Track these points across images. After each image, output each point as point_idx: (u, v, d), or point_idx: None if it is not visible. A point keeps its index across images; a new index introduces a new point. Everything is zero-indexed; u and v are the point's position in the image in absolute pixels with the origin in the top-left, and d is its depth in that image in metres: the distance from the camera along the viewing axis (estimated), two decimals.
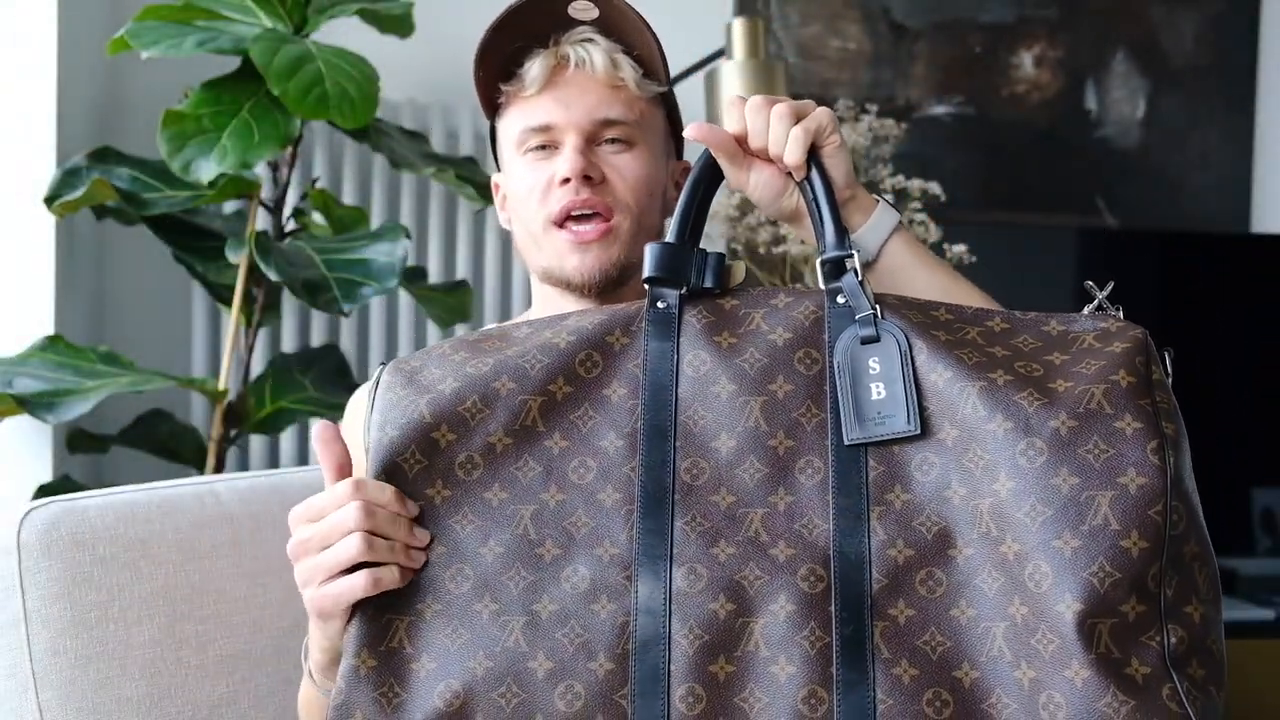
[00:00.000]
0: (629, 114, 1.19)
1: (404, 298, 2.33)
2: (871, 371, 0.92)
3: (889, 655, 0.87)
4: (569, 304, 1.18)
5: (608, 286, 1.16)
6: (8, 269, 1.99)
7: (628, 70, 1.20)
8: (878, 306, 0.94)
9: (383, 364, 1.00)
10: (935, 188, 2.15)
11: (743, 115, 1.03)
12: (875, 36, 2.62)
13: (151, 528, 1.25)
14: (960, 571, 0.88)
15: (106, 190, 1.84)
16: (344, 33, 2.10)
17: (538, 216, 1.18)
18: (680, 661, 0.88)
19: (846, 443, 0.91)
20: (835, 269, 0.97)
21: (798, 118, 1.02)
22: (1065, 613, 0.82)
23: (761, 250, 2.18)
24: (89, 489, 1.39)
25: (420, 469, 0.94)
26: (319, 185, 2.16)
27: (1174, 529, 0.84)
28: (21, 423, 1.91)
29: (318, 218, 2.14)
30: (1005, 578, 0.86)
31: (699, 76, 2.30)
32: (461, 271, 2.35)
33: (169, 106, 1.79)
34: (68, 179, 1.89)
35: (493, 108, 1.26)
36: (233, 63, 1.86)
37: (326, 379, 2.09)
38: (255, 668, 1.25)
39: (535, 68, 1.19)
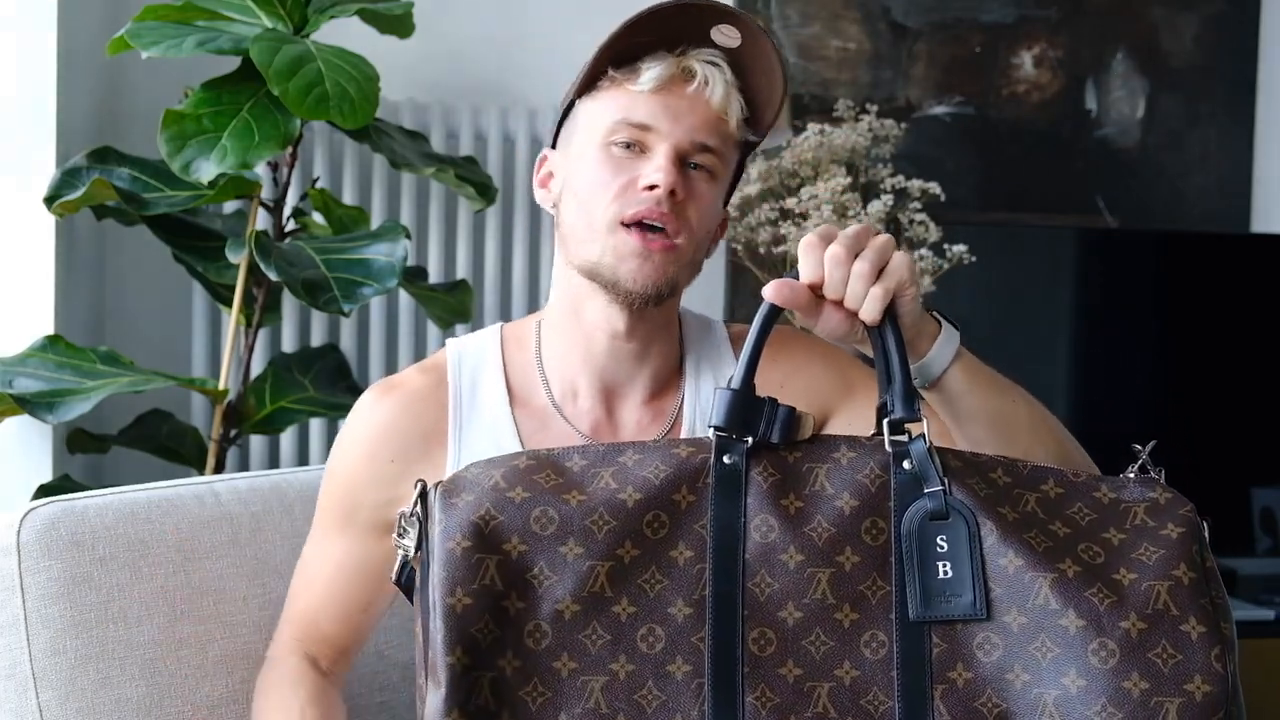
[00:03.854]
0: (722, 147, 1.19)
1: (404, 298, 2.33)
2: (939, 549, 0.93)
3: None
4: (599, 304, 1.17)
5: (652, 301, 1.15)
6: (8, 269, 1.99)
7: (736, 109, 1.19)
8: (945, 477, 0.95)
9: (422, 481, 0.97)
10: (935, 188, 2.15)
11: (820, 262, 0.99)
12: (875, 36, 2.62)
13: (151, 528, 1.25)
14: None
15: (106, 190, 1.84)
16: (344, 33, 2.10)
17: (607, 212, 1.15)
18: None
19: (913, 620, 0.92)
20: (901, 427, 0.97)
21: (878, 273, 0.99)
22: None
23: (761, 250, 2.18)
24: (89, 489, 1.38)
25: (493, 640, 0.91)
26: (319, 185, 2.16)
27: None
28: (21, 423, 1.91)
29: (318, 218, 2.14)
30: None
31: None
32: (461, 271, 2.35)
33: (169, 106, 1.79)
34: (68, 179, 1.89)
35: (588, 86, 1.22)
36: (233, 63, 1.86)
37: (326, 379, 2.09)
38: (255, 668, 1.25)
39: (656, 69, 1.17)
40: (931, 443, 0.96)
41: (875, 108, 2.31)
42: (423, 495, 0.95)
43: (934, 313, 1.06)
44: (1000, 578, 0.92)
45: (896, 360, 0.98)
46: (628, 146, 1.17)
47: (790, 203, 2.12)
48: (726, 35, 1.17)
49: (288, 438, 2.26)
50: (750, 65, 1.19)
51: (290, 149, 1.95)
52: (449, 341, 1.26)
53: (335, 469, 1.23)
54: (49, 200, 1.87)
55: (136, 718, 1.20)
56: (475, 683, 0.89)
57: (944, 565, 0.92)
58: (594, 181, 1.17)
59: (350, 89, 1.78)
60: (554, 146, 1.25)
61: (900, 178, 2.17)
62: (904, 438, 0.96)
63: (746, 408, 0.96)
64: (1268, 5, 2.74)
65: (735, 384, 0.96)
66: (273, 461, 2.31)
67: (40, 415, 1.75)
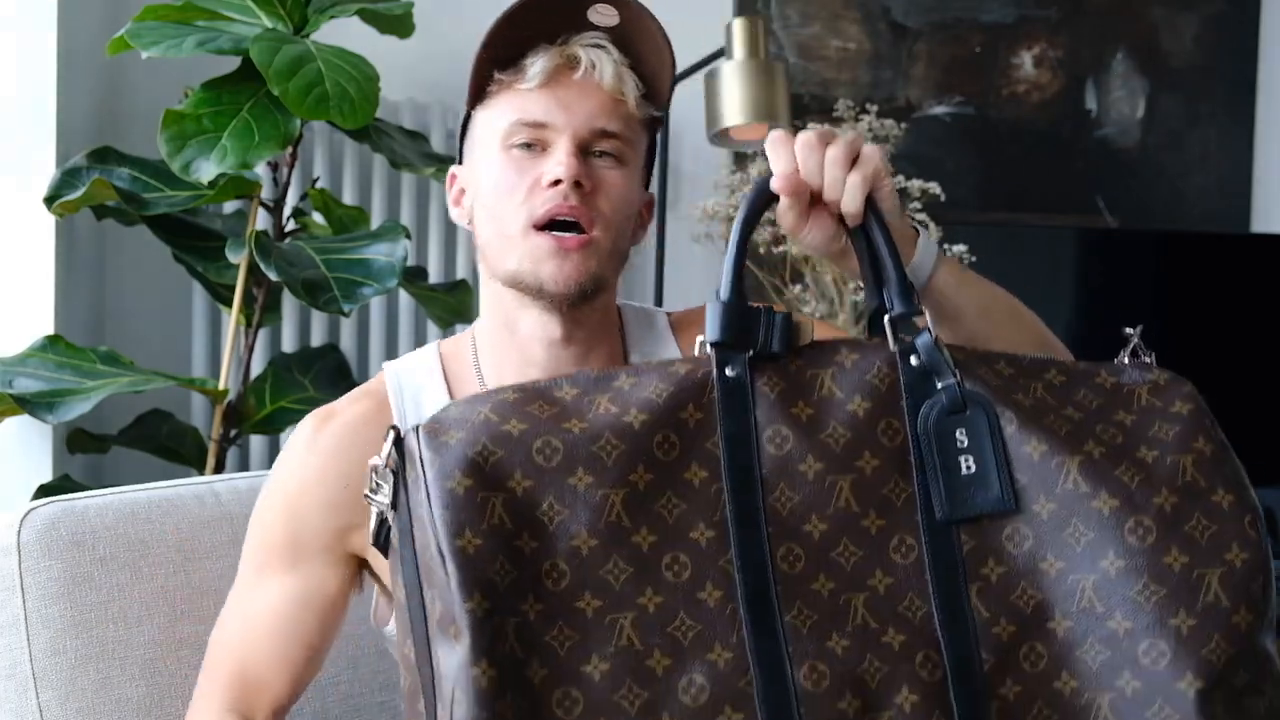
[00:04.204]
0: (625, 130, 1.15)
1: (404, 298, 2.33)
2: (960, 444, 0.90)
3: None
4: (530, 314, 1.13)
5: (579, 300, 1.11)
6: (8, 269, 1.99)
7: (631, 87, 1.15)
8: (957, 372, 0.91)
9: (394, 427, 0.89)
10: (935, 188, 2.15)
11: (792, 152, 0.96)
12: (875, 36, 2.62)
13: (151, 528, 1.25)
14: (1060, 644, 0.87)
15: (106, 190, 1.84)
16: (344, 33, 2.10)
17: (516, 217, 1.11)
18: None
19: (943, 520, 0.88)
20: (904, 323, 0.93)
21: (852, 162, 0.96)
22: (1187, 690, 0.85)
23: (761, 250, 2.18)
24: (89, 489, 1.39)
25: (511, 582, 0.84)
26: (319, 185, 2.16)
27: (1269, 598, 0.88)
28: (21, 423, 1.91)
29: (318, 218, 2.14)
30: (1112, 652, 0.86)
31: (699, 76, 2.30)
32: (461, 271, 2.35)
33: (169, 106, 1.79)
34: (68, 179, 1.89)
35: (477, 95, 1.19)
36: (233, 63, 1.86)
37: (326, 379, 2.09)
38: None
39: (540, 62, 1.13)
40: (938, 336, 0.92)
41: (875, 108, 2.31)
42: (398, 442, 0.88)
43: (913, 223, 1.04)
44: (1025, 466, 0.89)
45: (888, 255, 0.94)
46: (528, 147, 1.13)
47: None
48: (604, 14, 1.14)
49: (288, 438, 2.26)
50: (636, 40, 1.15)
51: (290, 149, 1.95)
52: (385, 365, 1.21)
53: (275, 504, 1.15)
54: (49, 200, 1.87)
55: (136, 718, 1.20)
56: (499, 629, 0.82)
57: (966, 460, 0.89)
58: (499, 188, 1.13)
59: (350, 89, 1.78)
60: (461, 163, 1.23)
61: (900, 178, 2.17)
62: (908, 335, 0.92)
63: (741, 318, 0.90)
64: (1268, 5, 2.74)
65: (724, 294, 0.91)
66: (272, 462, 2.31)
67: (40, 415, 1.75)
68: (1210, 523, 0.88)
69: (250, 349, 1.99)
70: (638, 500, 0.86)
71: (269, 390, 2.01)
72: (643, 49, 1.16)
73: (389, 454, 0.88)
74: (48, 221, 1.97)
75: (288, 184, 1.99)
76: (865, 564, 0.87)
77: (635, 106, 1.15)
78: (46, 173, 1.94)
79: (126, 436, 2.05)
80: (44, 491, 1.88)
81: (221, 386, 1.94)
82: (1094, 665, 0.87)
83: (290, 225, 2.03)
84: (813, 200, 0.98)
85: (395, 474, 0.88)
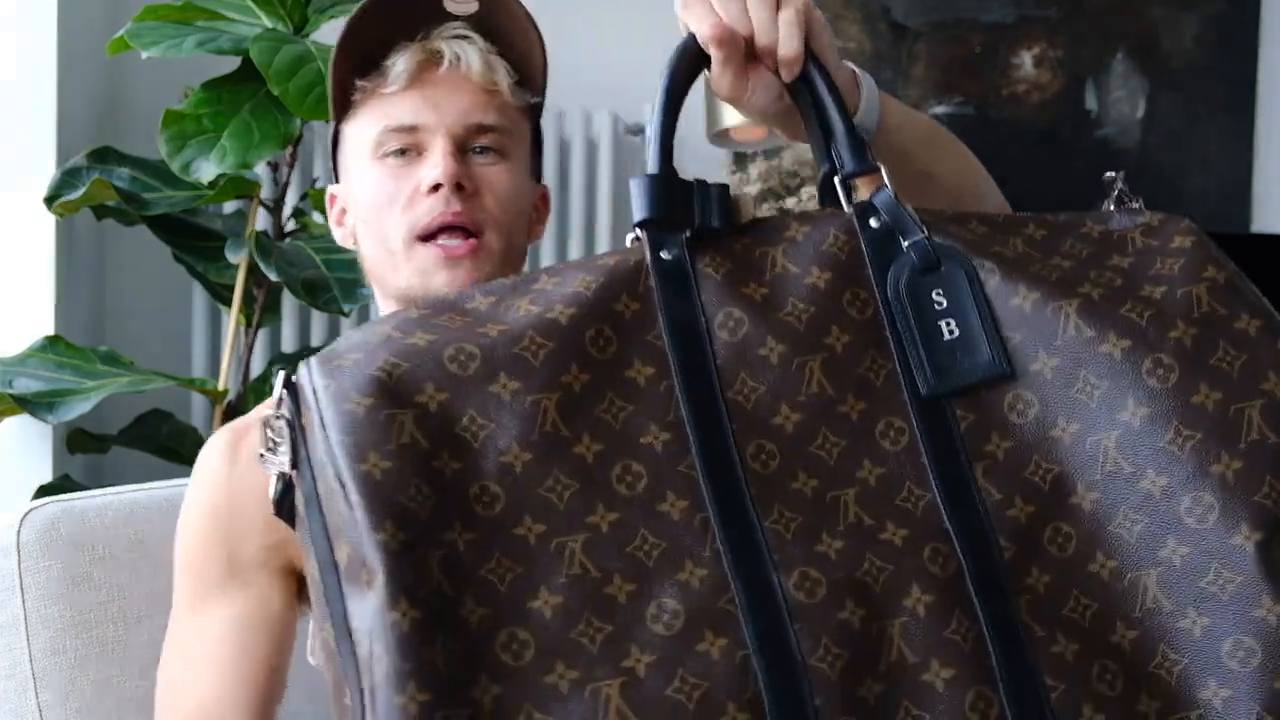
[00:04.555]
0: (502, 121, 1.08)
1: None
2: (937, 306, 0.78)
3: (1043, 633, 0.74)
4: None
5: None
6: (8, 269, 1.99)
7: (503, 75, 1.08)
8: (925, 227, 0.80)
9: (281, 367, 0.76)
10: None
11: (710, 7, 0.84)
12: (875, 36, 2.62)
13: (151, 528, 1.25)
14: (1089, 520, 0.76)
15: (106, 190, 1.84)
16: None
17: (399, 229, 1.04)
18: (826, 693, 0.70)
19: (925, 396, 0.77)
20: (855, 184, 0.82)
21: (778, 2, 0.84)
22: (1245, 545, 0.73)
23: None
24: (89, 489, 1.39)
25: (432, 508, 0.71)
26: (319, 185, 2.16)
27: None
28: (21, 423, 1.92)
29: (318, 218, 2.14)
30: (1150, 518, 0.75)
31: (698, 77, 2.30)
32: None
33: (169, 106, 1.79)
34: (68, 179, 1.89)
35: (343, 107, 1.10)
36: (233, 63, 1.86)
37: None
38: None
39: (401, 62, 1.06)
40: (897, 190, 0.81)
41: None
42: (289, 386, 0.74)
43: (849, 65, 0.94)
44: (1016, 321, 0.78)
45: (833, 106, 0.83)
46: (401, 153, 1.06)
47: (790, 203, 2.12)
48: (462, 2, 1.07)
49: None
50: (500, 24, 1.08)
51: (290, 149, 1.95)
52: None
53: (203, 527, 1.06)
54: (49, 200, 1.87)
55: (136, 718, 1.20)
56: (421, 563, 0.69)
57: (947, 324, 0.78)
58: (377, 201, 1.06)
59: None
60: (338, 180, 1.14)
61: None
62: (867, 200, 0.81)
63: (672, 193, 0.78)
64: (1268, 5, 2.74)
65: (651, 166, 0.79)
66: None
67: (40, 415, 1.75)
68: (1239, 351, 0.77)
69: (250, 349, 1.99)
70: (575, 404, 0.74)
71: (269, 390, 2.01)
72: (509, 33, 1.09)
73: (280, 400, 0.75)
74: (48, 221, 1.97)
75: (288, 184, 1.99)
76: (850, 455, 0.76)
77: (510, 95, 1.09)
78: (46, 173, 1.94)
79: (126, 436, 2.05)
80: (44, 491, 1.88)
81: (221, 386, 1.95)
82: (1132, 538, 0.75)
83: (290, 225, 2.03)
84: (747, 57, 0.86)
85: (291, 426, 0.74)
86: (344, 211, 1.13)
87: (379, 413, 0.71)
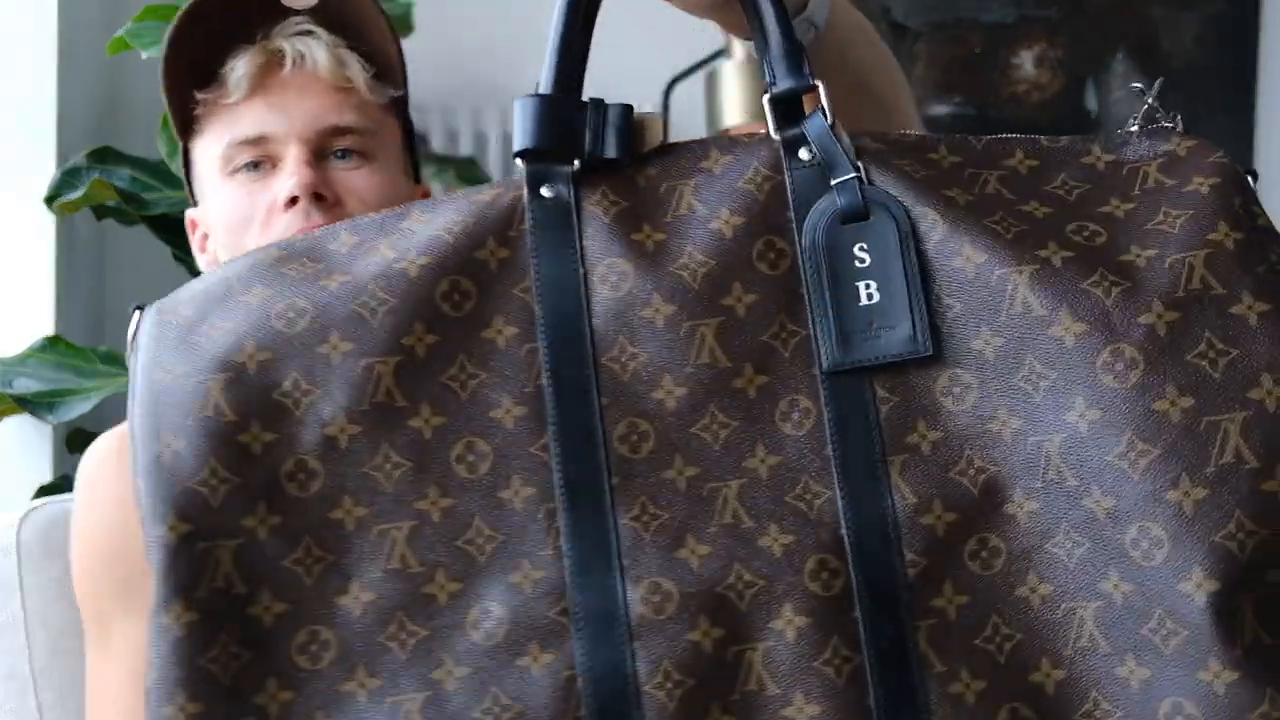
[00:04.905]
0: (362, 121, 0.99)
1: None
2: (859, 263, 0.64)
3: (943, 667, 0.62)
4: None
5: None
6: (8, 269, 1.99)
7: (356, 69, 0.99)
8: (860, 162, 0.66)
9: (138, 307, 0.68)
10: None
11: None
12: None
13: None
14: (1023, 535, 0.63)
15: (106, 190, 1.84)
16: None
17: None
18: None
19: (829, 369, 0.64)
20: (790, 106, 0.67)
21: None
22: (1195, 594, 0.59)
23: None
24: None
25: (229, 493, 0.62)
26: None
27: None
28: (21, 423, 1.91)
29: None
30: (1092, 543, 0.62)
31: (699, 77, 2.30)
32: None
33: None
34: (68, 179, 1.89)
35: (186, 125, 1.02)
36: None
37: None
38: None
39: (240, 67, 0.97)
40: (835, 118, 0.66)
41: None
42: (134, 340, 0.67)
43: None
44: (958, 286, 0.64)
45: (771, 9, 0.68)
46: (254, 167, 0.98)
47: None
48: None
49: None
50: (347, 15, 0.99)
51: None
52: None
53: (97, 550, 0.97)
54: (49, 200, 1.87)
55: None
56: (204, 559, 0.61)
57: (866, 285, 0.64)
58: (232, 222, 0.97)
59: None
60: (196, 204, 1.06)
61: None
62: (796, 125, 0.67)
63: (562, 117, 0.66)
64: (1268, 5, 2.74)
65: (543, 85, 0.68)
66: None
67: (40, 415, 1.75)
68: (1227, 345, 0.61)
69: None
70: (416, 370, 0.64)
71: None
72: (357, 24, 1.00)
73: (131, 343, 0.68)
74: (48, 221, 1.97)
75: None
76: (741, 439, 0.64)
77: (368, 91, 1.00)
78: (46, 173, 1.94)
79: None
80: (44, 491, 1.88)
81: None
82: (1072, 562, 0.62)
83: None
84: None
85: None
86: (205, 237, 1.04)
87: (187, 380, 0.63)
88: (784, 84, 0.67)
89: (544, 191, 0.66)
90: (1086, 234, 0.64)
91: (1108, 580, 0.61)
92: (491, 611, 0.62)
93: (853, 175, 0.65)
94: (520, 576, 0.63)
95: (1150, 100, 0.69)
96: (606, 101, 0.67)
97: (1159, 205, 0.65)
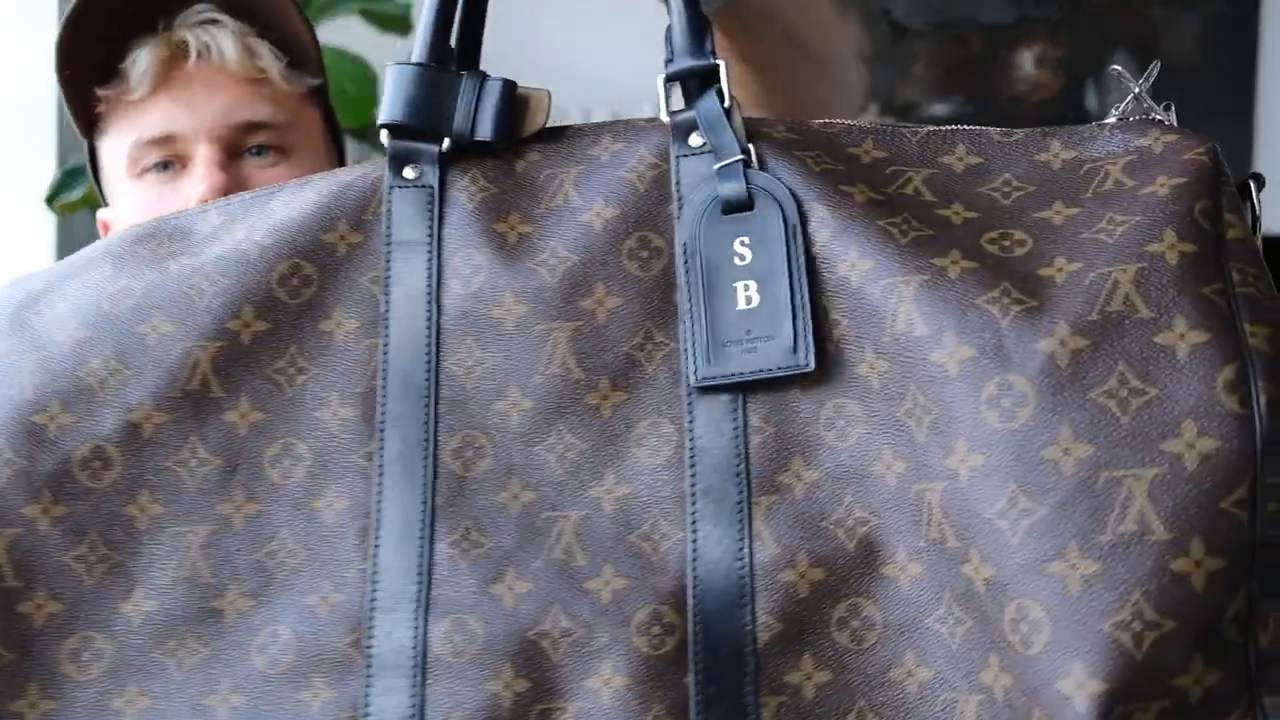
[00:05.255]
0: (277, 114, 0.92)
1: None
2: (737, 260, 0.55)
3: None
4: None
5: None
6: (8, 269, 1.99)
7: (268, 58, 0.92)
8: (752, 146, 0.56)
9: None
10: None
11: None
12: (875, 36, 2.62)
13: None
14: (903, 604, 0.52)
15: None
16: (344, 32, 2.10)
17: None
18: None
19: (697, 383, 0.54)
20: (689, 87, 0.59)
21: None
22: (1075, 696, 0.47)
23: None
24: None
25: (11, 475, 0.57)
26: None
27: (1273, 527, 0.48)
28: None
29: None
30: (974, 621, 0.51)
31: None
32: None
33: None
34: (68, 179, 1.89)
35: (89, 122, 0.95)
36: None
37: None
38: None
39: (142, 60, 0.90)
40: (734, 98, 0.57)
41: (875, 108, 2.30)
42: None
43: None
44: (844, 298, 0.53)
45: None
46: (164, 167, 0.92)
47: None
48: None
49: None
50: (256, 0, 0.92)
51: None
52: None
53: None
54: (49, 200, 1.87)
55: None
56: None
57: (746, 287, 0.54)
58: None
59: (349, 88, 1.78)
60: (106, 204, 1.01)
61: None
62: (690, 110, 0.58)
63: (435, 89, 0.59)
64: (1268, 5, 2.74)
65: (415, 54, 0.61)
66: None
67: None
68: (1144, 383, 0.48)
69: None
70: (239, 359, 0.58)
71: None
72: (265, 9, 0.93)
73: None
74: (48, 221, 1.97)
75: None
76: (588, 464, 0.56)
77: (282, 81, 0.93)
78: (46, 173, 1.94)
79: None
80: None
81: None
82: (953, 642, 0.51)
83: None
84: None
85: None
86: None
87: (6, 357, 0.60)
88: (681, 62, 0.58)
89: (407, 172, 0.60)
90: (1008, 243, 0.54)
91: (989, 669, 0.50)
92: (281, 636, 0.56)
93: (738, 158, 0.56)
94: (317, 599, 0.56)
95: (1137, 88, 0.60)
96: (488, 75, 0.59)
97: (1107, 211, 0.53)
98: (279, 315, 0.59)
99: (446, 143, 0.59)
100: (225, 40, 0.90)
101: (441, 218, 0.59)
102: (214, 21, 0.91)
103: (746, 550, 0.53)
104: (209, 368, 0.58)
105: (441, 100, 0.59)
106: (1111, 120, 0.59)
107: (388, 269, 0.59)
